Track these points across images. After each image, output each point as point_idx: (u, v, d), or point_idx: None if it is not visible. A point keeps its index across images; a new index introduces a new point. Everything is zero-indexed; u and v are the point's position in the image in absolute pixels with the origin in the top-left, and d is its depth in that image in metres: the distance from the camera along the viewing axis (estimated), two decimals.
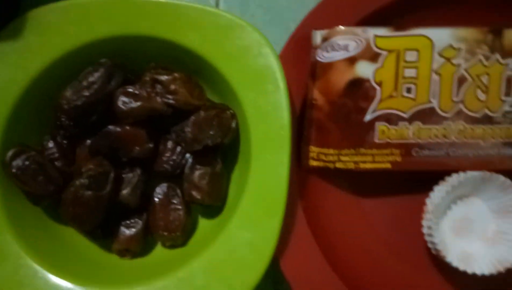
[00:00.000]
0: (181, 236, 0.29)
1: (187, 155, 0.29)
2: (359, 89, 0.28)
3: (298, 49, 0.29)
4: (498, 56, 0.27)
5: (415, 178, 0.30)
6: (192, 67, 0.29)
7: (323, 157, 0.29)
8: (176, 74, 0.28)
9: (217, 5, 0.34)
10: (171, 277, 0.26)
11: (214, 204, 0.29)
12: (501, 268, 0.27)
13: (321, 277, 0.27)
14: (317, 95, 0.29)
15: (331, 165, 0.29)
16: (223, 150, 0.30)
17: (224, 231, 0.27)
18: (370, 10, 0.28)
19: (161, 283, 0.26)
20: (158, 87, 0.28)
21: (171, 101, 0.28)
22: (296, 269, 0.27)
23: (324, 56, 0.28)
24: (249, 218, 0.26)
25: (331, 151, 0.29)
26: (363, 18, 0.28)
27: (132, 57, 0.29)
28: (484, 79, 0.27)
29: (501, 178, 0.27)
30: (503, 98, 0.27)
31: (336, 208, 0.30)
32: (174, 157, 0.29)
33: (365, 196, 0.31)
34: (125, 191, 0.28)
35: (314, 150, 0.29)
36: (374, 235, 0.30)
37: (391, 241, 0.30)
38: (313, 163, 0.29)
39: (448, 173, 0.28)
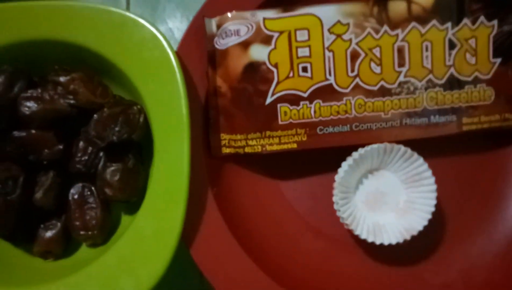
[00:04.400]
0: (99, 234, 0.29)
1: (100, 153, 0.30)
2: (256, 73, 0.28)
3: (199, 39, 0.29)
4: (386, 27, 0.27)
5: (329, 155, 0.30)
6: (95, 66, 0.29)
7: (233, 144, 0.29)
8: (74, 75, 0.28)
9: (128, 2, 0.35)
10: (81, 273, 0.26)
11: (129, 200, 0.29)
12: (407, 236, 0.27)
13: (233, 262, 0.27)
14: (220, 82, 0.29)
15: (240, 151, 0.29)
16: (139, 145, 0.31)
17: (132, 224, 0.27)
18: None
19: (72, 279, 0.26)
20: (59, 89, 0.28)
21: (72, 101, 0.28)
22: (207, 255, 0.27)
23: (220, 42, 0.28)
24: (154, 209, 0.27)
25: (239, 136, 0.29)
26: (259, 5, 0.29)
27: (38, 61, 0.30)
28: (377, 52, 0.27)
29: (402, 148, 0.27)
30: (397, 69, 0.28)
31: (252, 191, 0.31)
32: (86, 157, 0.29)
33: (281, 177, 0.31)
34: (38, 194, 0.29)
35: (225, 137, 0.30)
36: (291, 214, 0.31)
37: (308, 218, 0.30)
38: (226, 150, 0.30)
39: (356, 148, 0.29)
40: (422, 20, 0.27)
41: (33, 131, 0.28)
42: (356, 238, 0.29)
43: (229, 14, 0.27)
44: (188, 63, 0.29)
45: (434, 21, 0.27)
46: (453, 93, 0.28)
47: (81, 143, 0.30)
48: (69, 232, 0.30)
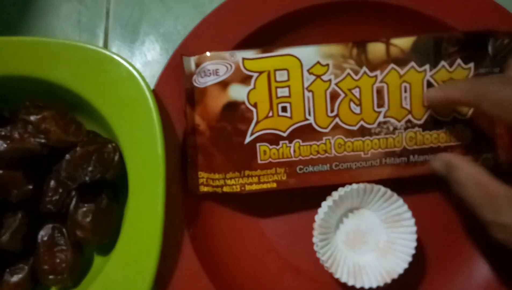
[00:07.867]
0: (69, 278, 0.28)
1: (73, 193, 0.29)
2: (235, 112, 0.28)
3: (177, 76, 0.29)
4: (366, 69, 0.27)
5: (309, 193, 0.29)
6: (70, 102, 0.28)
7: (211, 183, 0.29)
8: (45, 113, 0.27)
9: (106, 34, 0.34)
10: None
11: (102, 242, 0.28)
12: (388, 279, 0.27)
13: None
14: (198, 120, 0.28)
15: (219, 190, 0.29)
16: (114, 182, 0.30)
17: (103, 270, 0.26)
18: (243, 35, 0.28)
19: None
20: (30, 127, 0.27)
21: (43, 141, 0.27)
22: None
23: (199, 81, 0.28)
24: (126, 255, 0.25)
25: (217, 175, 0.28)
26: (237, 43, 0.28)
27: (10, 96, 0.29)
28: (356, 92, 0.27)
29: (382, 189, 0.27)
30: (377, 109, 0.28)
31: (231, 231, 0.30)
32: (57, 197, 0.28)
33: (261, 215, 0.30)
34: (4, 237, 0.27)
35: (203, 175, 0.29)
36: (271, 253, 0.30)
37: (289, 258, 0.30)
38: (203, 189, 0.29)
39: (336, 186, 0.28)
40: (401, 62, 0.27)
41: (0, 171, 0.27)
42: (336, 279, 0.28)
43: (208, 54, 0.27)
44: (165, 100, 0.29)
45: (412, 63, 0.27)
46: (432, 133, 0.28)
47: (52, 182, 0.28)
48: (36, 276, 0.29)
